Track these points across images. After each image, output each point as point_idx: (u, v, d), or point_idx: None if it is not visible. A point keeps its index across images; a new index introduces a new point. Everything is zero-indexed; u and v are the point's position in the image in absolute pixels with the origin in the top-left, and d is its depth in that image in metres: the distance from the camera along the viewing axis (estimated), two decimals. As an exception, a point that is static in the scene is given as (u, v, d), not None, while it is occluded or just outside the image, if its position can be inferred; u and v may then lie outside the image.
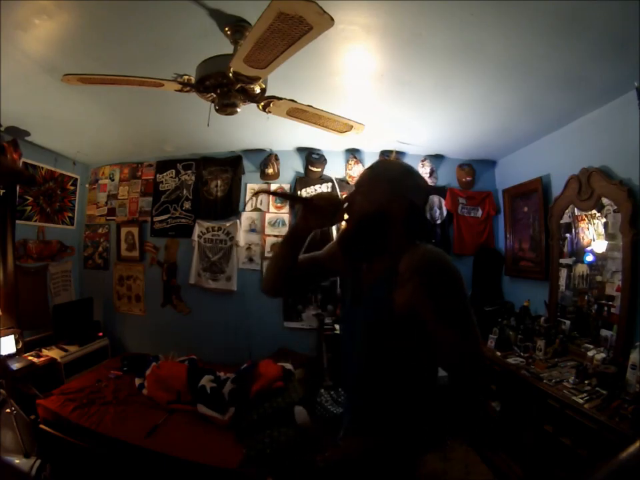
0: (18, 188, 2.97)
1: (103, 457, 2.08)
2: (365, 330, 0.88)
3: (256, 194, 1.06)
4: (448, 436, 2.11)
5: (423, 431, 0.82)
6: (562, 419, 1.66)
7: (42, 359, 2.77)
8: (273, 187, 3.37)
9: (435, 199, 3.28)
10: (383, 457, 0.77)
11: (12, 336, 2.67)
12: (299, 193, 3.27)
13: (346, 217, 0.94)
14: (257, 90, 1.54)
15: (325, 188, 3.28)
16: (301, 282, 1.10)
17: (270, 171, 3.34)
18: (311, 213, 0.95)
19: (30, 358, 2.72)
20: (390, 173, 0.93)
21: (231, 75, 1.37)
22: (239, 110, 1.60)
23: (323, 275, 1.12)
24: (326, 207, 0.93)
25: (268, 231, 3.32)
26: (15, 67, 1.82)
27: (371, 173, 0.95)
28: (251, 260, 3.35)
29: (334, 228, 2.61)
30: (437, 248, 0.83)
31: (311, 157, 3.29)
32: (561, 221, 2.42)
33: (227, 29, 1.51)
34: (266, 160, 3.35)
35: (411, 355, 0.83)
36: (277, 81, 1.62)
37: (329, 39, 1.50)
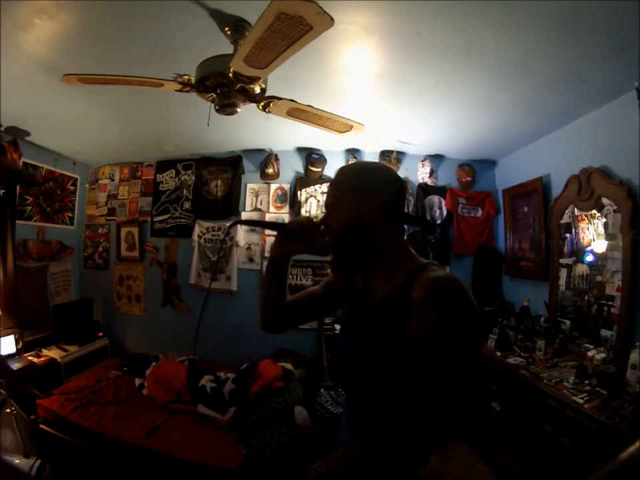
0: (18, 188, 2.97)
1: (103, 457, 2.08)
2: (372, 348, 0.86)
3: (233, 225, 1.01)
4: (448, 436, 2.11)
5: (421, 444, 0.80)
6: (562, 418, 1.66)
7: (42, 359, 2.77)
8: (273, 187, 3.38)
9: (434, 199, 3.29)
10: (378, 470, 0.75)
11: (12, 336, 2.68)
12: (299, 193, 3.28)
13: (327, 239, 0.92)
14: (257, 90, 1.54)
15: (325, 188, 3.28)
16: (299, 315, 1.06)
17: (270, 171, 3.34)
18: (286, 239, 0.94)
19: (30, 358, 2.73)
20: (348, 180, 0.88)
21: (231, 74, 1.37)
22: (239, 110, 1.60)
23: (321, 307, 1.09)
24: (300, 232, 0.92)
25: (268, 231, 3.31)
26: (15, 67, 1.82)
27: (333, 188, 0.91)
28: (251, 260, 3.35)
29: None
30: (451, 275, 0.82)
31: (311, 156, 3.29)
32: (561, 221, 2.42)
33: (227, 29, 1.51)
34: (266, 160, 3.36)
35: (417, 371, 0.83)
36: (277, 81, 1.62)
37: (329, 39, 1.50)
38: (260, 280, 1.00)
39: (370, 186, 0.85)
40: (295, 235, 0.92)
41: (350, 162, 3.24)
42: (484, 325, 2.59)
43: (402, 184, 0.91)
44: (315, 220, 0.94)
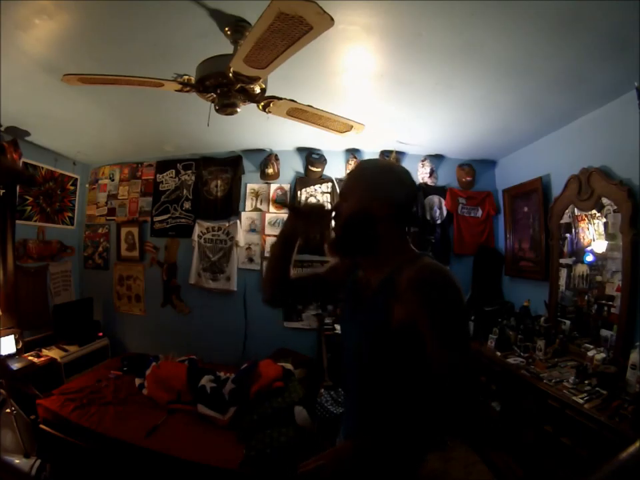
0: (18, 188, 2.97)
1: (103, 457, 2.08)
2: (363, 338, 0.88)
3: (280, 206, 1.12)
4: (448, 436, 2.11)
5: (415, 440, 0.78)
6: (562, 418, 1.66)
7: (42, 359, 2.77)
8: (273, 187, 3.38)
9: (434, 199, 3.29)
10: (371, 466, 0.75)
11: (12, 336, 2.67)
12: (299, 193, 3.28)
13: (334, 223, 0.97)
14: (257, 90, 1.54)
15: (325, 188, 3.28)
16: (301, 292, 1.12)
17: (270, 171, 3.34)
18: (297, 219, 1.02)
19: (30, 358, 2.72)
20: (366, 174, 0.93)
21: (230, 75, 1.37)
22: (239, 110, 1.60)
23: (323, 289, 1.12)
24: (311, 215, 0.99)
25: (268, 230, 3.32)
26: (15, 67, 1.82)
27: (350, 178, 0.97)
28: (250, 260, 3.35)
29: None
30: (439, 263, 0.83)
31: (311, 156, 3.29)
32: (561, 221, 2.42)
33: (227, 29, 1.51)
34: (266, 160, 3.35)
35: (406, 363, 0.83)
36: (277, 81, 1.62)
37: (329, 38, 1.50)
38: (269, 258, 1.08)
39: (384, 185, 0.90)
40: (306, 216, 1.00)
41: (350, 162, 3.24)
42: (484, 325, 2.60)
43: (415, 188, 0.95)
44: (326, 208, 1.01)
